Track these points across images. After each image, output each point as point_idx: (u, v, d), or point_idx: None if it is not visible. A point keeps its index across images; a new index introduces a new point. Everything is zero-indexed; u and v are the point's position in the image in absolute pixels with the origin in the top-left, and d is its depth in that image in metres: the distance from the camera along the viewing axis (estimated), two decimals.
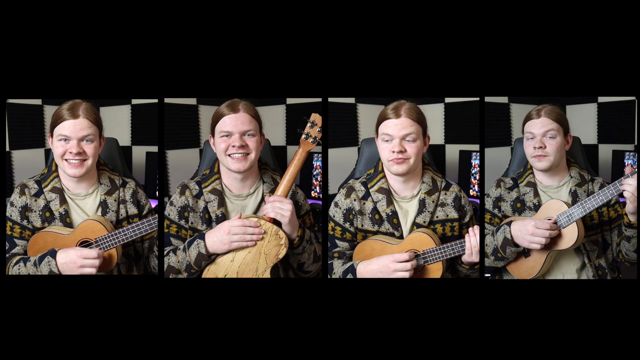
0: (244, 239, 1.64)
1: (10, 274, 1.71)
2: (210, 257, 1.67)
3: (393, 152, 1.69)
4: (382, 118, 1.73)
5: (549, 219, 1.72)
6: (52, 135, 1.71)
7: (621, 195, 1.66)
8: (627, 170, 1.67)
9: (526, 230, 1.69)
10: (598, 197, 1.68)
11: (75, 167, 1.69)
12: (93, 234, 1.70)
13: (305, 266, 1.74)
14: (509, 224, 1.74)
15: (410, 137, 1.69)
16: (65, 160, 1.69)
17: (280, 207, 1.65)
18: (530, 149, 1.78)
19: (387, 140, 1.70)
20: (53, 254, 1.66)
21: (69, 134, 1.67)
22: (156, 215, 1.73)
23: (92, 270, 1.65)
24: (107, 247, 1.70)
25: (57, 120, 1.69)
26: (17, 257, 1.72)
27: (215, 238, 1.65)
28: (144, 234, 1.72)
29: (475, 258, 1.66)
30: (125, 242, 1.71)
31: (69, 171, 1.69)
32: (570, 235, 1.70)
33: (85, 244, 1.71)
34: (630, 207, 1.67)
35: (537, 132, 1.76)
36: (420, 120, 1.72)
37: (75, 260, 1.65)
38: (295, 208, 1.72)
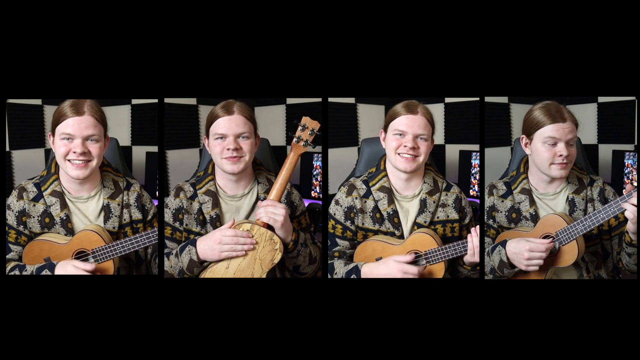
0: (234, 249, 1.61)
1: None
2: (202, 264, 1.65)
3: (405, 146, 1.68)
4: (395, 114, 1.71)
5: (546, 236, 1.70)
6: (53, 134, 1.61)
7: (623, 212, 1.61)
8: (628, 188, 1.61)
9: (521, 255, 1.65)
10: (599, 214, 1.63)
11: (79, 169, 1.61)
12: (90, 244, 1.65)
13: (301, 268, 1.73)
14: (503, 244, 1.70)
15: (424, 136, 1.69)
16: (68, 160, 1.61)
17: (273, 211, 1.63)
18: (549, 155, 1.68)
19: (399, 135, 1.69)
20: (51, 267, 1.62)
21: (73, 132, 1.59)
22: (155, 229, 1.69)
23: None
24: (104, 258, 1.66)
25: (59, 117, 1.59)
26: (13, 264, 1.68)
27: (206, 246, 1.62)
28: (142, 246, 1.68)
29: (477, 258, 1.66)
30: (122, 254, 1.67)
31: (72, 173, 1.61)
32: (570, 253, 1.68)
33: (81, 254, 1.67)
34: (631, 226, 1.63)
35: (563, 138, 1.66)
36: (433, 122, 1.73)
37: (72, 274, 1.62)
38: (290, 209, 1.72)
